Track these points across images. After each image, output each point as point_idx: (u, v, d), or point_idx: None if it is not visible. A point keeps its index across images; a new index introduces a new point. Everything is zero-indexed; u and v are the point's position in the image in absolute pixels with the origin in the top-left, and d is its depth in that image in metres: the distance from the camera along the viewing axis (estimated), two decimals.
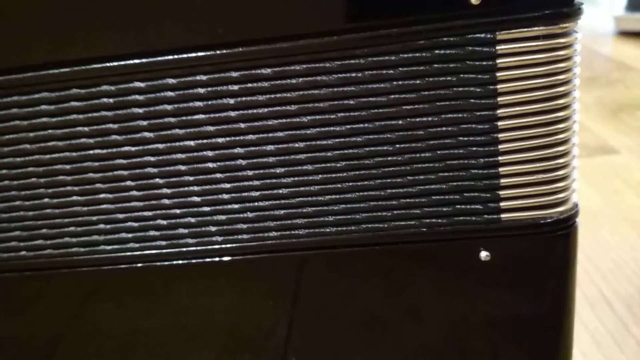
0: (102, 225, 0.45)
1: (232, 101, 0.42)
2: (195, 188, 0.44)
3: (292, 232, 0.45)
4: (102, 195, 0.45)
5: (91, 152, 0.44)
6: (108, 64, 0.41)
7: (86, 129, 0.43)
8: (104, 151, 0.43)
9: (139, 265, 0.46)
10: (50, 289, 0.49)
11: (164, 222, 0.45)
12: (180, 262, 0.46)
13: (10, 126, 0.44)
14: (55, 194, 0.45)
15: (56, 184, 0.45)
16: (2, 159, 0.45)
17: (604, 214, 0.98)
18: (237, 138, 0.43)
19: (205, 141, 0.43)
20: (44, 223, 0.46)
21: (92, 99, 0.42)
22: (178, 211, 0.45)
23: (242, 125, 0.42)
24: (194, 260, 0.46)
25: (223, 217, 0.45)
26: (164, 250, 0.46)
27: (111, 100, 0.42)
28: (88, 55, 0.41)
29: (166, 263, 0.46)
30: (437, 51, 0.40)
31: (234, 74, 0.41)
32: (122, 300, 0.49)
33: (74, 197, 0.45)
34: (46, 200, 0.45)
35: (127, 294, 0.48)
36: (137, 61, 0.41)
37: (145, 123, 0.43)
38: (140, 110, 0.42)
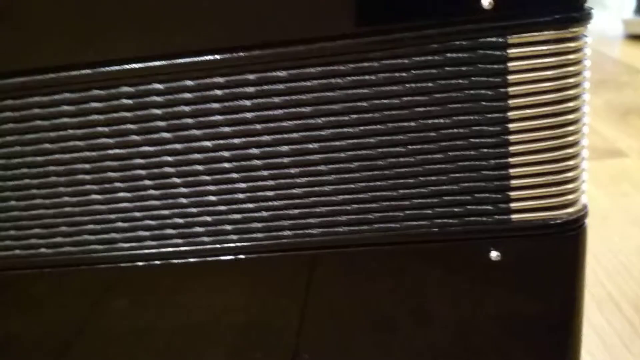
0: (120, 223, 0.46)
1: (248, 103, 0.43)
2: (212, 187, 0.45)
3: (306, 231, 0.46)
4: (120, 194, 0.46)
5: (110, 151, 0.45)
6: (128, 66, 0.43)
7: (106, 129, 0.44)
8: (123, 151, 0.44)
9: (156, 262, 0.47)
10: (68, 286, 0.50)
11: (181, 221, 0.46)
12: (196, 260, 0.47)
13: (32, 126, 0.45)
14: (74, 193, 0.46)
15: (76, 182, 0.46)
16: (23, 158, 0.46)
17: (612, 217, 0.98)
18: (253, 139, 0.44)
19: (221, 142, 0.44)
20: (63, 221, 0.47)
21: (112, 100, 0.43)
22: (195, 210, 0.46)
23: (258, 126, 0.43)
24: (209, 259, 0.47)
25: (238, 216, 0.46)
26: (180, 248, 0.47)
27: (130, 101, 0.43)
28: (108, 57, 0.43)
29: (182, 261, 0.47)
30: (449, 54, 0.41)
31: (250, 77, 0.42)
32: (138, 298, 0.50)
33: (93, 196, 0.46)
34: (66, 198, 0.46)
35: (144, 292, 0.49)
36: (156, 63, 0.42)
37: (163, 124, 0.44)
38: (159, 111, 0.43)
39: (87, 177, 0.45)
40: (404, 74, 0.42)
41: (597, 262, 0.85)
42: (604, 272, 0.84)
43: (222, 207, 0.46)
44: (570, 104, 0.42)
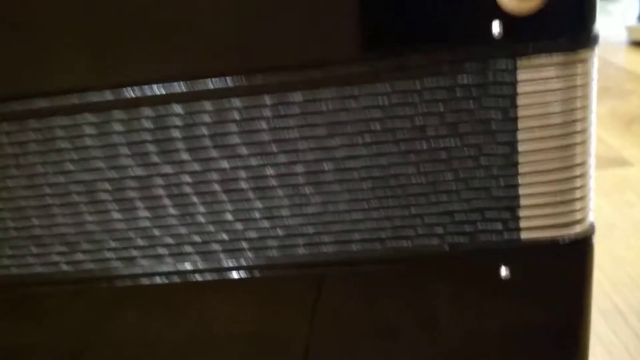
0: (139, 241, 0.48)
1: (264, 124, 0.44)
2: (228, 206, 0.46)
3: (319, 248, 0.47)
4: (140, 213, 0.47)
5: (130, 171, 0.46)
6: (148, 89, 0.44)
7: (126, 149, 0.45)
8: (143, 171, 0.46)
9: (175, 279, 0.49)
10: (88, 302, 0.51)
11: (199, 239, 0.47)
12: (212, 276, 0.48)
13: (53, 147, 0.46)
14: (95, 211, 0.47)
15: (97, 201, 0.47)
16: (45, 177, 0.47)
17: (617, 227, 0.99)
18: (269, 159, 0.45)
19: (238, 162, 0.45)
20: (84, 238, 0.48)
21: (133, 121, 0.45)
22: (212, 228, 0.47)
23: (274, 147, 0.45)
24: (225, 275, 0.48)
25: (254, 234, 0.47)
26: (198, 265, 0.48)
27: (150, 122, 0.45)
28: (129, 81, 0.44)
29: (199, 277, 0.49)
30: (459, 77, 0.42)
31: (267, 99, 0.43)
32: (155, 313, 0.51)
33: (114, 214, 0.47)
34: (87, 216, 0.48)
35: (161, 307, 0.51)
36: (175, 86, 0.44)
37: (182, 145, 0.45)
38: (178, 133, 0.45)
39: (108, 196, 0.47)
40: (415, 96, 0.43)
41: (603, 273, 0.86)
42: (610, 283, 0.84)
43: (239, 225, 0.47)
44: (578, 127, 0.43)
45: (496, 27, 0.41)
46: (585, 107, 0.43)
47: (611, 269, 0.87)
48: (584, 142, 0.44)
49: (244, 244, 0.47)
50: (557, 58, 0.41)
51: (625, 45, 2.26)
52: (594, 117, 0.44)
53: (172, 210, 0.47)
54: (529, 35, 0.41)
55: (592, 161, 0.45)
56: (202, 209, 0.46)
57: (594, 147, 0.45)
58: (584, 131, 0.43)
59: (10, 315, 0.53)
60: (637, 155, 1.26)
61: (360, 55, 0.43)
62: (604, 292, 0.83)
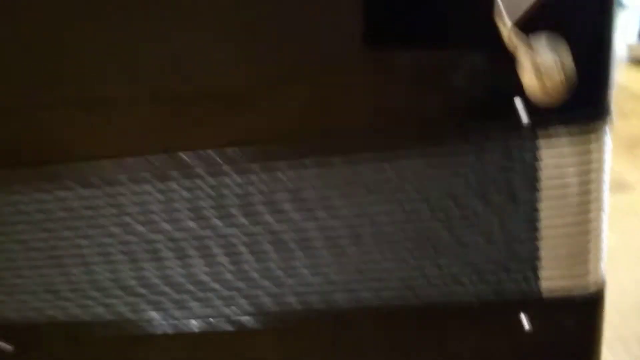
0: (196, 290, 0.52)
1: (306, 184, 0.49)
2: (273, 256, 0.51)
3: (358, 294, 0.51)
4: (174, 267, 0.52)
5: (163, 229, 0.51)
6: (203, 153, 0.48)
7: (159, 205, 0.50)
8: (176, 232, 0.51)
9: (224, 325, 0.53)
10: (124, 346, 0.56)
11: (244, 285, 0.52)
12: (257, 319, 0.53)
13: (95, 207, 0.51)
14: (132, 267, 0.52)
15: (130, 252, 0.52)
16: (77, 231, 0.52)
17: (620, 253, 1.02)
18: (310, 214, 0.49)
19: (282, 217, 0.50)
20: (120, 286, 0.53)
21: (187, 181, 0.49)
22: (257, 275, 0.52)
23: (315, 204, 0.49)
24: (268, 319, 0.53)
25: (295, 282, 0.51)
26: (245, 308, 0.53)
27: (204, 183, 0.49)
28: (185, 145, 0.48)
29: (242, 321, 0.53)
30: (485, 145, 0.47)
31: (308, 162, 0.48)
32: (193, 353, 0.56)
33: (149, 268, 0.52)
34: (122, 267, 0.52)
35: (208, 353, 0.55)
36: (228, 151, 0.48)
37: (235, 203, 0.49)
38: (230, 192, 0.49)
39: (144, 254, 0.51)
40: (443, 159, 0.48)
41: (606, 301, 0.90)
42: (613, 310, 0.88)
43: (281, 273, 0.51)
44: (593, 185, 0.48)
45: (519, 105, 0.45)
46: (598, 170, 0.48)
47: (614, 297, 0.91)
48: (598, 199, 0.48)
49: (286, 290, 0.52)
50: (573, 129, 0.46)
51: (625, 62, 2.30)
52: (607, 178, 0.49)
53: (221, 260, 0.51)
54: (549, 111, 0.46)
55: (605, 218, 0.49)
56: (249, 258, 0.51)
57: (607, 205, 0.49)
58: (598, 190, 0.48)
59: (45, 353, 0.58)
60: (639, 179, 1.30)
61: (394, 126, 0.47)
62: (607, 320, 0.86)
